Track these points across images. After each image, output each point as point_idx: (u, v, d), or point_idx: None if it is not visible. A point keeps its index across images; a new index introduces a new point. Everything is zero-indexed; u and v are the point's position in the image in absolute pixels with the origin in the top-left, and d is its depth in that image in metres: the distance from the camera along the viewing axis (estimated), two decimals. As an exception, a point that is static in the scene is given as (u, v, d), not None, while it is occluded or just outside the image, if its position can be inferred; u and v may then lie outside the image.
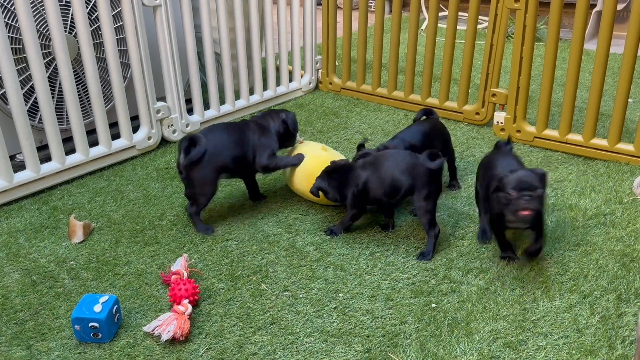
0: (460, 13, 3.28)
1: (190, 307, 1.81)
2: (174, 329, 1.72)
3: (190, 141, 2.18)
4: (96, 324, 1.72)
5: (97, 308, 1.74)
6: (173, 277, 1.94)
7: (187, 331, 1.75)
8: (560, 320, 1.83)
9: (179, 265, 2.00)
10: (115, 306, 1.79)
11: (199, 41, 3.13)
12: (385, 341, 1.76)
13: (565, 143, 2.91)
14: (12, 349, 1.74)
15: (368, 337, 1.78)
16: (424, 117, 2.60)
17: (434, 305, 1.90)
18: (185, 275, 1.96)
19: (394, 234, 2.28)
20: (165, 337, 1.72)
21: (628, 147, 2.78)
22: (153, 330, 1.75)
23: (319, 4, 3.66)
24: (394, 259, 2.13)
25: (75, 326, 1.74)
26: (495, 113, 3.13)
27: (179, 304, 1.82)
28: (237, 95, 3.43)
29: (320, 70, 3.84)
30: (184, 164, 2.19)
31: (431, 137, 2.50)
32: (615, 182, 2.63)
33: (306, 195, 2.43)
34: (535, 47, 3.10)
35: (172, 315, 1.77)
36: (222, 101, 3.35)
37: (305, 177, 2.39)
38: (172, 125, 3.06)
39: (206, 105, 3.27)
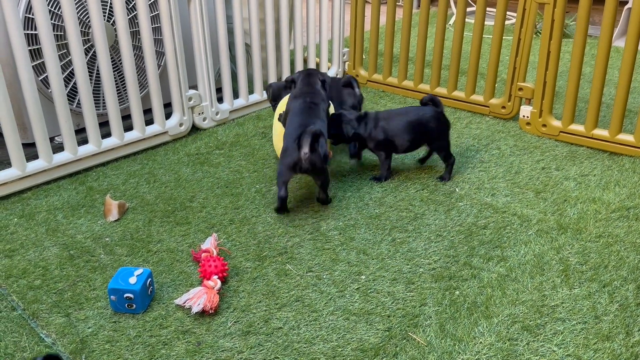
0: (488, 8, 3.30)
1: (219, 282, 1.90)
2: (204, 302, 1.81)
3: (314, 136, 2.24)
4: (131, 295, 1.82)
5: (132, 280, 1.84)
6: (203, 254, 2.03)
7: (216, 305, 1.83)
8: (578, 307, 1.86)
9: (209, 243, 2.09)
10: (149, 279, 1.88)
11: (230, 32, 3.21)
12: (405, 321, 1.82)
13: (591, 138, 2.92)
14: (52, 316, 1.85)
15: (389, 317, 1.84)
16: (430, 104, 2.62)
17: (457, 292, 1.95)
18: (215, 253, 2.04)
19: (415, 221, 2.33)
20: (195, 309, 1.81)
21: (655, 143, 2.78)
22: (184, 302, 1.84)
23: (347, -3, 3.72)
24: (415, 245, 2.19)
25: (111, 297, 1.84)
26: (522, 107, 3.14)
27: (208, 279, 1.91)
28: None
29: (347, 63, 3.90)
30: (314, 160, 2.26)
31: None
32: (640, 177, 2.63)
33: None
34: (563, 44, 3.10)
35: (202, 290, 1.85)
36: (250, 91, 3.43)
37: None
38: (202, 112, 3.16)
39: (235, 95, 3.36)
